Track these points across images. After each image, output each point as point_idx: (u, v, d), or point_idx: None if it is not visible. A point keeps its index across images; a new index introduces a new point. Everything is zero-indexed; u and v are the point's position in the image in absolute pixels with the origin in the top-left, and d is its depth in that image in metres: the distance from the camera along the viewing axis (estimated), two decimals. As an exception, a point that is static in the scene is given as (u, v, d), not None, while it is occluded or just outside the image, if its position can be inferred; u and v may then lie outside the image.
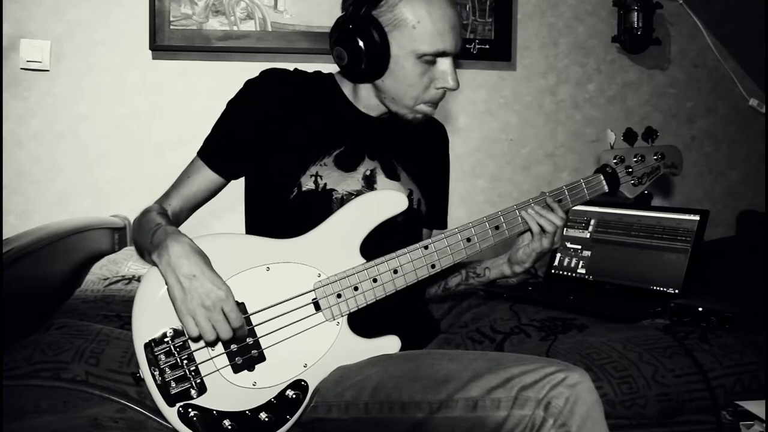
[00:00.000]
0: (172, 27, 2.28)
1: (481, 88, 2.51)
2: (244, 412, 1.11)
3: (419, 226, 1.41)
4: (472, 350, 1.45)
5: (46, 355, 1.29)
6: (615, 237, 1.94)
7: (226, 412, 1.10)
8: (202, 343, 1.10)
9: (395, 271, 1.19)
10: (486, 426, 1.00)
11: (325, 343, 1.17)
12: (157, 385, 1.09)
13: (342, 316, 1.17)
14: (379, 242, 1.19)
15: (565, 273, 2.00)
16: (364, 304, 1.18)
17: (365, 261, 1.18)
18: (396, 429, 1.08)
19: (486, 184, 2.55)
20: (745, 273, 1.92)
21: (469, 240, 1.23)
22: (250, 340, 1.12)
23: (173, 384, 1.09)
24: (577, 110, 2.58)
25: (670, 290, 1.77)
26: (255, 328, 1.13)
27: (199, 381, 1.10)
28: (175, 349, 1.10)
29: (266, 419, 1.12)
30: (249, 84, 1.30)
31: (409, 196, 1.32)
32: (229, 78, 1.75)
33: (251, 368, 1.12)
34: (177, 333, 1.10)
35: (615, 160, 1.33)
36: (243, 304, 1.13)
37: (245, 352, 1.12)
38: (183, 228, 1.19)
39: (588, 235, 1.99)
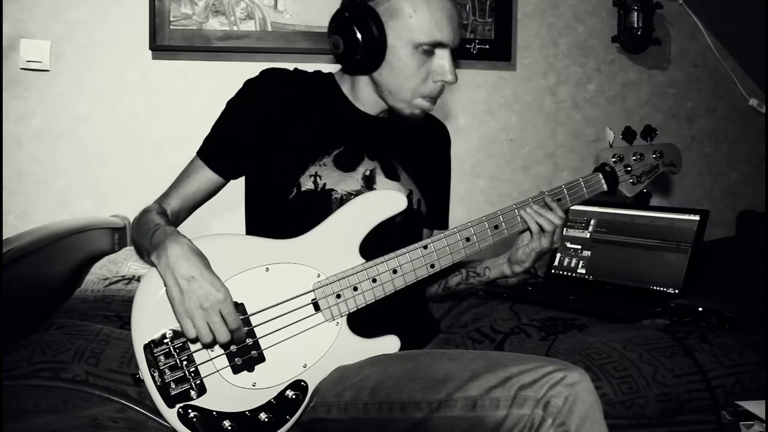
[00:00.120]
0: (172, 27, 2.28)
1: (481, 88, 2.51)
2: (243, 412, 1.11)
3: (419, 227, 1.41)
4: (472, 350, 1.45)
5: (46, 355, 1.29)
6: (615, 237, 1.94)
7: (226, 412, 1.10)
8: (201, 345, 1.10)
9: (394, 271, 1.19)
10: (485, 425, 1.00)
11: (324, 344, 1.17)
12: (157, 386, 1.09)
13: (341, 316, 1.17)
14: (379, 242, 1.19)
15: (565, 273, 1.99)
16: (364, 305, 1.18)
17: (365, 261, 1.18)
18: (395, 429, 1.08)
19: (486, 184, 2.55)
20: (745, 273, 1.92)
21: (468, 240, 1.23)
22: (249, 341, 1.12)
23: (173, 385, 1.09)
24: (577, 110, 2.58)
25: (670, 290, 1.77)
26: (254, 328, 1.13)
27: (198, 382, 1.10)
28: (175, 350, 1.10)
29: (266, 420, 1.12)
30: (249, 84, 1.30)
31: (409, 197, 1.32)
32: (229, 78, 1.75)
33: (251, 369, 1.12)
34: (176, 334, 1.10)
35: (614, 159, 1.33)
36: (242, 304, 1.13)
37: (245, 352, 1.12)
38: (182, 228, 1.19)
39: (588, 235, 1.99)
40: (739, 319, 1.48)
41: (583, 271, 1.96)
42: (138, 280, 1.80)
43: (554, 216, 1.26)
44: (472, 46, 2.44)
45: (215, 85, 2.32)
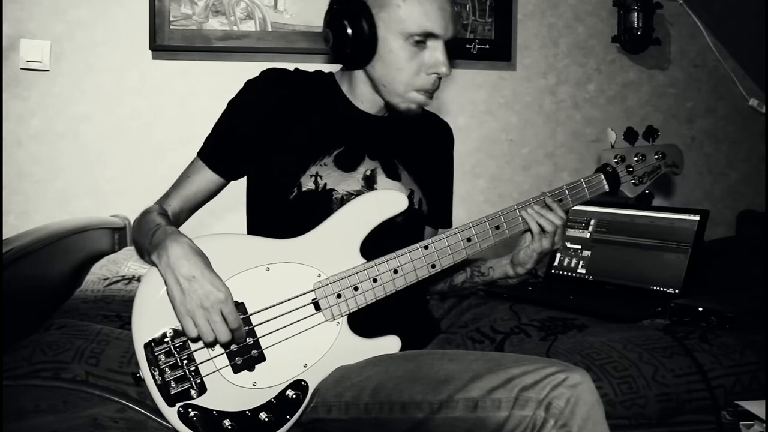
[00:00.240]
0: (172, 27, 2.28)
1: (481, 88, 2.51)
2: (244, 412, 1.11)
3: (420, 226, 1.41)
4: (473, 350, 1.45)
5: (46, 355, 1.29)
6: (615, 237, 1.94)
7: (226, 412, 1.10)
8: (201, 344, 1.10)
9: (395, 271, 1.19)
10: (486, 426, 1.00)
11: (325, 343, 1.17)
12: (157, 385, 1.09)
13: (342, 316, 1.17)
14: (380, 242, 1.19)
15: (565, 273, 1.99)
16: (364, 304, 1.18)
17: (365, 261, 1.18)
18: (396, 429, 1.08)
19: (486, 184, 2.55)
20: (745, 273, 1.92)
21: (469, 240, 1.23)
22: (250, 340, 1.12)
23: (173, 384, 1.09)
24: (577, 110, 2.58)
25: (670, 290, 1.77)
26: (255, 328, 1.13)
27: (199, 381, 1.10)
28: (175, 350, 1.10)
29: (266, 419, 1.12)
30: (249, 84, 1.30)
31: (410, 196, 1.31)
32: (229, 78, 1.75)
33: (251, 368, 1.12)
34: (177, 333, 1.10)
35: (616, 160, 1.33)
36: (243, 304, 1.13)
37: (245, 352, 1.12)
38: (183, 228, 1.19)
39: (588, 235, 1.99)
40: (739, 319, 1.48)
41: (583, 271, 1.96)
42: (138, 280, 1.80)
43: (555, 216, 1.25)
44: (472, 46, 2.44)
45: (215, 85, 2.32)
